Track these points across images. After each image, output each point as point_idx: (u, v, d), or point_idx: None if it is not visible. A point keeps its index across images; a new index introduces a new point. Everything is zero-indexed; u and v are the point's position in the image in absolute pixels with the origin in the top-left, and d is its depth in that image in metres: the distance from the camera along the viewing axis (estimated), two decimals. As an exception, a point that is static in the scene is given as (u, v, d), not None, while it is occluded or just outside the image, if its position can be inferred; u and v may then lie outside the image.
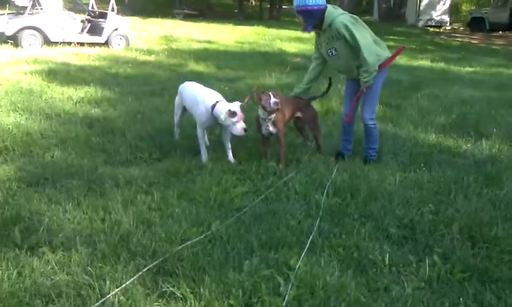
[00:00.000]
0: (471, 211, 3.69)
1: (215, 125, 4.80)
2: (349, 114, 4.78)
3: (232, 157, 4.75)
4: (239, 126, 4.41)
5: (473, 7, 33.50)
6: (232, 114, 4.37)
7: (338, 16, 4.39)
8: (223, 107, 4.45)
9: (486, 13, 27.00)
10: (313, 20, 4.40)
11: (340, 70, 4.87)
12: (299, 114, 4.90)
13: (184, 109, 5.15)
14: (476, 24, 26.79)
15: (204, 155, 4.72)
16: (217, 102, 4.56)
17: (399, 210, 3.72)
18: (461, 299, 2.71)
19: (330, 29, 4.41)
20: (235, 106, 4.46)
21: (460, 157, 5.05)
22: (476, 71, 11.97)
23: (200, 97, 4.75)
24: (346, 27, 4.33)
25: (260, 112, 4.56)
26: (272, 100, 4.38)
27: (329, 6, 4.45)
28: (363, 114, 4.71)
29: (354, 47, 4.38)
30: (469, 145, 5.45)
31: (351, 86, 4.80)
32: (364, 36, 4.42)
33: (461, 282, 2.89)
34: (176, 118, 5.27)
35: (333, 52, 4.52)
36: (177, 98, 5.22)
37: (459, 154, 5.17)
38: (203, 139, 4.77)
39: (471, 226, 3.46)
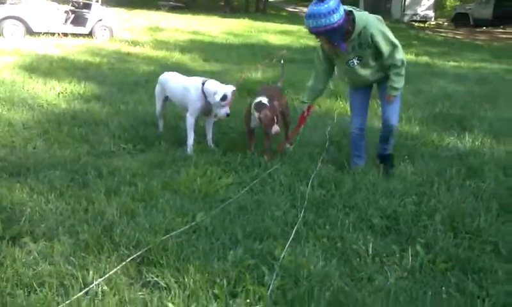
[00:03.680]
0: (453, 202, 3.72)
1: (207, 110, 4.73)
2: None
3: (212, 143, 4.86)
4: (223, 111, 4.52)
5: (457, 3, 33.79)
6: (224, 97, 4.46)
7: (367, 21, 3.90)
8: (215, 86, 4.53)
9: (470, 9, 27.30)
10: (341, 35, 3.85)
11: (354, 79, 4.26)
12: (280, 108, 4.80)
13: (166, 99, 5.12)
14: (460, 20, 27.07)
15: (190, 147, 4.69)
16: (204, 80, 4.67)
17: (382, 201, 3.73)
18: (443, 288, 2.73)
19: (359, 37, 3.91)
20: (229, 90, 4.54)
21: (443, 150, 5.09)
22: (460, 66, 12.07)
23: (187, 84, 4.78)
24: (382, 33, 3.92)
25: (255, 114, 4.48)
26: (275, 128, 4.38)
27: (355, 12, 3.91)
28: (392, 122, 4.32)
29: (379, 53, 3.97)
30: (452, 138, 5.49)
31: (361, 95, 4.38)
32: (392, 35, 4.01)
33: (443, 272, 2.92)
34: (158, 109, 5.23)
35: (355, 61, 4.05)
36: (157, 88, 5.18)
37: (442, 147, 5.21)
38: (192, 129, 4.71)
39: (453, 217, 3.49)
